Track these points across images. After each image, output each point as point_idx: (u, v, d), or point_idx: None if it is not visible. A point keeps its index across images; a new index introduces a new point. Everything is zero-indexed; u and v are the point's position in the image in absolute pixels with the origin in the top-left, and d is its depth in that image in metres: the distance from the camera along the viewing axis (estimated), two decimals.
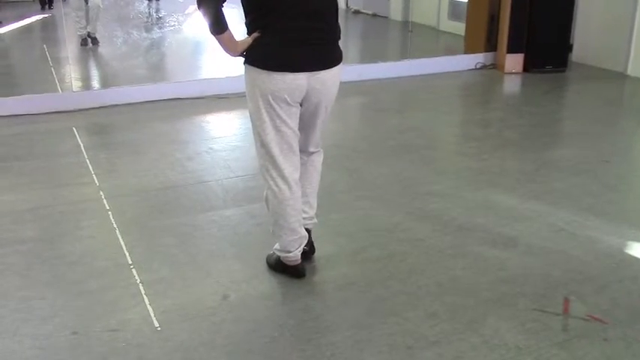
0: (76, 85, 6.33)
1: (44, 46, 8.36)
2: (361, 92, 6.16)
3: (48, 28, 10.65)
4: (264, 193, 2.76)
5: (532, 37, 6.67)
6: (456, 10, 8.94)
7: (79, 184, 4.02)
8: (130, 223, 3.46)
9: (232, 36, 2.56)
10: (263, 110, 2.60)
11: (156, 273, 2.94)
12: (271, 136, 2.63)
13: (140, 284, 2.83)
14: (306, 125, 2.75)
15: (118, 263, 3.02)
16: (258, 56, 2.56)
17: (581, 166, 4.26)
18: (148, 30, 9.98)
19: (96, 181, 4.01)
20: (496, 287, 2.79)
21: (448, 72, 6.95)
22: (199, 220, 3.49)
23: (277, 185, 2.68)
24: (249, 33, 2.59)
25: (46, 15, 11.17)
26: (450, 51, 7.69)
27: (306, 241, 2.86)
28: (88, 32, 8.08)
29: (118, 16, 8.26)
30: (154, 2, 12.14)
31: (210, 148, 4.65)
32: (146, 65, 7.50)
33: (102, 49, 8.20)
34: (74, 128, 5.03)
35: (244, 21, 2.61)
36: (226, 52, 2.62)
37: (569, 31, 6.80)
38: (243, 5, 2.60)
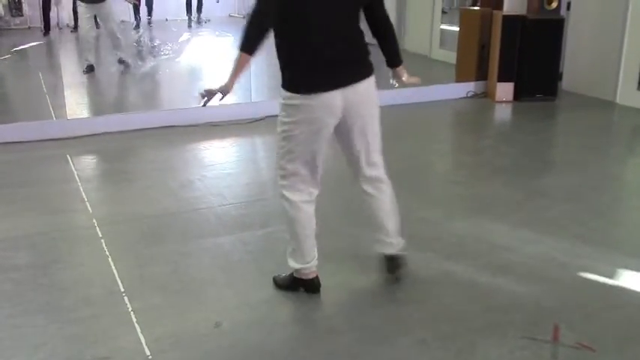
0: (70, 112, 6.37)
1: (39, 73, 8.42)
2: None
3: (44, 55, 10.73)
4: (283, 208, 2.85)
5: (522, 66, 6.77)
6: (447, 39, 9.07)
7: (72, 211, 4.04)
8: (123, 251, 3.47)
9: (244, 63, 2.63)
10: (296, 131, 2.69)
11: (148, 301, 2.95)
12: (304, 160, 2.76)
13: (132, 312, 2.83)
14: (350, 144, 2.83)
15: (110, 291, 3.03)
16: (292, 80, 2.65)
17: (571, 193, 4.31)
18: (142, 58, 10.08)
19: (89, 209, 4.02)
20: (486, 315, 2.81)
21: (440, 100, 7.02)
22: (191, 247, 3.50)
23: (303, 205, 2.82)
24: (279, 56, 2.68)
25: (42, 42, 11.26)
26: (441, 79, 7.77)
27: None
28: (118, 57, 8.25)
29: (112, 45, 8.30)
30: (148, 31, 12.29)
31: (203, 176, 4.68)
32: (140, 93, 7.57)
33: (96, 76, 8.23)
34: (68, 155, 5.06)
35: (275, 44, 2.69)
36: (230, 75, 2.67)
37: (559, 60, 6.90)
38: (275, 30, 2.66)
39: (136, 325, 2.74)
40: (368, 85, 2.73)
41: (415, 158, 5.19)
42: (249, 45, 2.61)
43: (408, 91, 6.97)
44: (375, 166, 2.93)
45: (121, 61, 8.30)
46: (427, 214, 3.95)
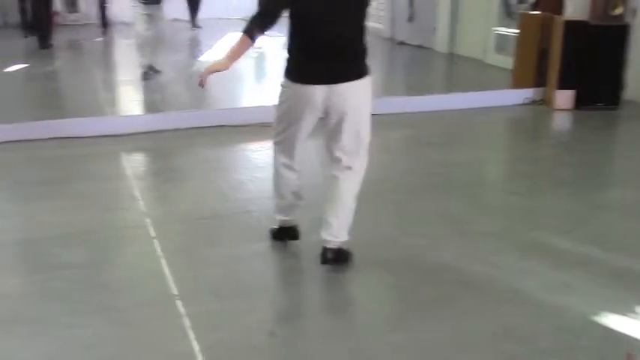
0: (124, 109, 6.40)
1: (94, 69, 8.51)
2: (406, 125, 6.07)
3: (101, 52, 10.86)
4: (273, 172, 3.26)
5: (583, 73, 6.51)
6: (503, 43, 8.83)
7: (124, 209, 4.02)
8: (175, 252, 3.41)
9: (244, 46, 2.92)
10: (285, 113, 3.07)
11: (201, 305, 2.88)
12: (286, 135, 3.12)
13: (185, 317, 2.77)
14: (332, 134, 3.06)
15: (163, 293, 2.97)
16: (288, 69, 3.02)
17: (637, 208, 4.10)
18: (195, 57, 10.10)
19: (142, 207, 3.99)
20: (554, 337, 2.66)
21: (495, 106, 6.79)
22: (244, 251, 3.43)
23: (283, 169, 3.20)
24: (287, 50, 3.02)
25: (101, 39, 11.40)
26: (496, 85, 7.57)
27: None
28: (149, 64, 7.76)
29: (166, 43, 8.30)
30: (200, 30, 12.32)
31: (255, 177, 4.61)
32: (192, 91, 7.54)
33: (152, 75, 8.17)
34: (121, 152, 5.06)
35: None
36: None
37: (623, 68, 6.62)
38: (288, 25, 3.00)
39: (189, 330, 2.67)
40: (353, 86, 2.96)
41: (471, 167, 5.03)
42: (252, 32, 2.89)
43: (462, 96, 6.83)
44: (347, 154, 3.07)
45: (152, 69, 7.82)
46: (487, 226, 3.79)
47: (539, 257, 3.38)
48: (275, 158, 3.24)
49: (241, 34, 2.90)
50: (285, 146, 3.17)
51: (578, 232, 3.71)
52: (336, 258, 3.10)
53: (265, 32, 2.96)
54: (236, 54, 2.94)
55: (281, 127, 3.14)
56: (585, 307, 2.89)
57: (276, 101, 3.12)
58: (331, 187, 3.11)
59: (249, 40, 2.89)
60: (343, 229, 3.10)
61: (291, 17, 2.94)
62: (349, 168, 3.08)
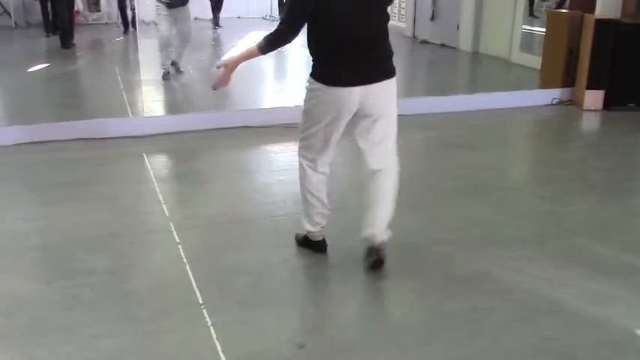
0: (146, 110, 6.35)
1: (116, 69, 8.48)
2: (429, 126, 5.95)
3: (122, 52, 10.85)
4: (299, 175, 3.20)
5: (614, 73, 6.36)
6: (529, 41, 8.69)
7: (148, 213, 3.96)
8: (200, 259, 3.34)
9: (252, 56, 3.00)
10: (317, 116, 3.01)
11: (227, 315, 2.81)
12: (316, 138, 3.07)
13: (211, 327, 2.69)
14: (364, 134, 3.05)
15: (189, 302, 2.90)
16: (318, 72, 2.96)
17: None
18: (218, 56, 10.04)
19: (165, 211, 3.93)
20: (594, 350, 2.56)
21: (522, 107, 6.65)
22: (270, 258, 3.35)
23: (309, 170, 3.15)
24: (309, 49, 2.98)
25: (122, 38, 11.38)
26: (522, 85, 7.43)
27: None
28: (172, 60, 7.74)
29: (180, 44, 8.22)
30: (222, 29, 12.26)
31: (280, 180, 4.53)
32: (215, 92, 7.48)
33: (173, 75, 8.11)
34: (144, 154, 5.00)
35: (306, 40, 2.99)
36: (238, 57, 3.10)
37: None
38: (307, 27, 2.95)
39: (216, 341, 2.60)
40: (385, 85, 2.97)
41: (498, 169, 4.92)
42: (268, 49, 2.95)
43: (488, 97, 6.69)
44: (379, 158, 3.08)
45: (174, 64, 7.79)
46: (518, 232, 3.69)
47: (574, 266, 3.26)
48: (300, 159, 3.19)
49: (255, 46, 2.97)
50: (313, 149, 3.12)
51: (614, 239, 3.59)
52: (379, 258, 3.09)
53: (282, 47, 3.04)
54: (243, 59, 3.07)
55: (310, 131, 3.08)
56: (627, 319, 2.78)
57: (301, 102, 3.07)
58: (373, 184, 3.09)
59: (259, 54, 2.98)
60: (386, 227, 3.09)
61: (316, 21, 2.88)
62: (387, 167, 3.09)
